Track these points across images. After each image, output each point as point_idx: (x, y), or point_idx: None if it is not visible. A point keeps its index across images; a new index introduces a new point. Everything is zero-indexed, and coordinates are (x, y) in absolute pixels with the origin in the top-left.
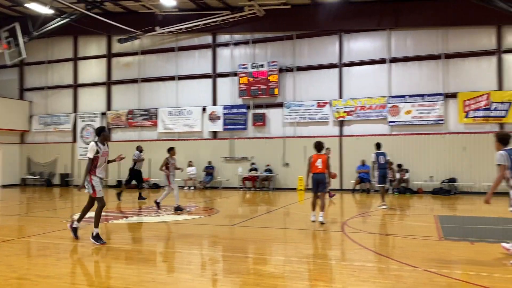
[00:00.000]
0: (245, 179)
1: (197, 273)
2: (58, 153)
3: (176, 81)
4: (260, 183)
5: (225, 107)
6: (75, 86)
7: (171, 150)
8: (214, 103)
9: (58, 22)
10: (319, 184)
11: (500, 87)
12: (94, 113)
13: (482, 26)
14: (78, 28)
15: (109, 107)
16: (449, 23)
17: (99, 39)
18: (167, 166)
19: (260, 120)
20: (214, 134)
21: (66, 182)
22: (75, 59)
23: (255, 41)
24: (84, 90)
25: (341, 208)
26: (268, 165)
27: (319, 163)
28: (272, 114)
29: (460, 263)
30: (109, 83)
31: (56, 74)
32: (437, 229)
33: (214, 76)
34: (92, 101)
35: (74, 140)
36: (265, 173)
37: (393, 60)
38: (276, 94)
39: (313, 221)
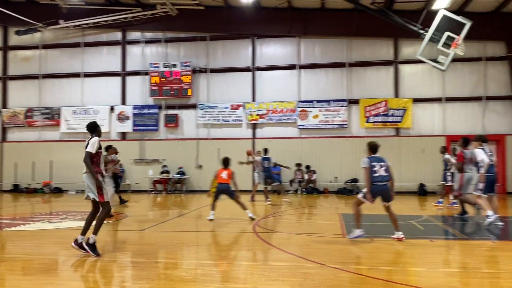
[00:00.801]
0: (156, 182)
1: (104, 281)
2: None
3: (82, 78)
4: (172, 186)
5: (135, 107)
6: None
7: (109, 149)
8: (123, 103)
9: None
10: (225, 193)
11: (397, 95)
12: None
13: (382, 38)
14: None
15: (4, 105)
16: (353, 34)
17: None
18: (107, 164)
19: (172, 121)
20: (123, 135)
21: None
22: None
23: (168, 40)
24: None
25: (252, 209)
26: (180, 167)
27: (224, 175)
28: (185, 115)
29: (361, 259)
30: (4, 78)
31: None
32: (341, 227)
33: (124, 74)
34: None
35: None
36: (178, 176)
37: (303, 66)
38: (190, 95)
39: (211, 219)
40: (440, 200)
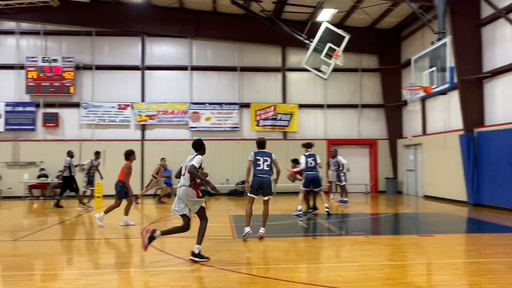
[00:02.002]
0: (32, 186)
1: None
2: None
3: None
4: (51, 191)
5: (7, 104)
6: None
7: None
8: None
9: None
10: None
11: (284, 100)
12: None
13: (271, 45)
14: None
15: None
16: (243, 39)
17: None
18: None
19: (52, 120)
20: None
21: None
22: None
23: (48, 33)
24: None
25: (141, 214)
26: (61, 171)
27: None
28: (67, 115)
29: (251, 258)
30: None
31: None
32: (232, 228)
33: None
34: None
35: None
36: (57, 180)
37: (195, 68)
38: (72, 93)
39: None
40: (345, 199)
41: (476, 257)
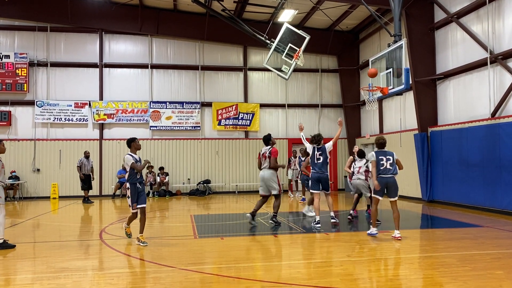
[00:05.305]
0: None
1: None
2: None
3: None
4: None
5: None
6: None
7: None
8: None
9: None
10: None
11: (246, 99)
12: None
13: (232, 44)
14: None
15: None
16: (204, 38)
17: None
18: None
19: (4, 119)
20: None
21: None
22: None
23: None
24: None
25: (100, 215)
26: (13, 172)
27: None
28: (20, 113)
29: (212, 258)
30: None
31: None
32: (193, 228)
33: None
34: None
35: None
36: (10, 181)
37: (155, 66)
38: (25, 91)
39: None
40: (304, 197)
41: (430, 252)
